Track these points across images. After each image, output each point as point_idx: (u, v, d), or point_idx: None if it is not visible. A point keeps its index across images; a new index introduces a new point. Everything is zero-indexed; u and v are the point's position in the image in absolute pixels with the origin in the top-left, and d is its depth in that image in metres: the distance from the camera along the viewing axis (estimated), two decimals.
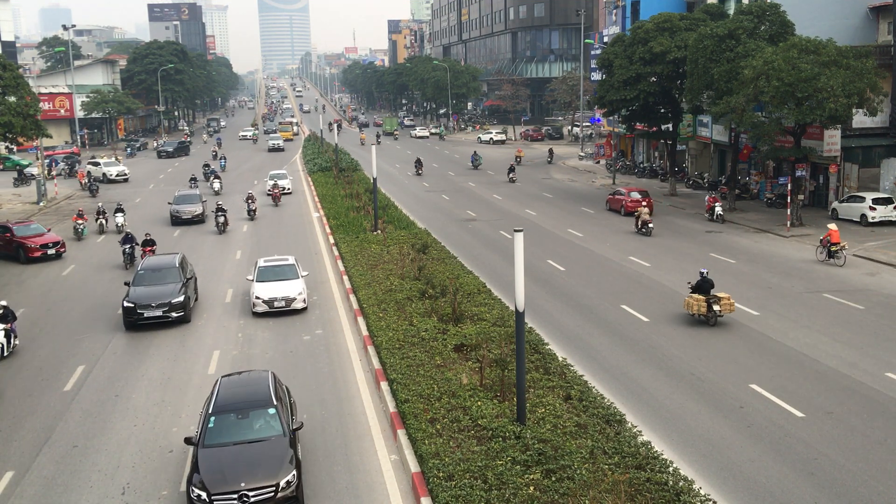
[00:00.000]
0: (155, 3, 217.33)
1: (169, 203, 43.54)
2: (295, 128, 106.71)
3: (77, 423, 17.58)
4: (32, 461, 15.90)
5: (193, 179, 54.80)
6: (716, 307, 23.30)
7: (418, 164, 64.92)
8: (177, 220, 41.99)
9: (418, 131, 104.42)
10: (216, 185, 53.75)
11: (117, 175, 62.80)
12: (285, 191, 51.11)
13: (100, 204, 43.84)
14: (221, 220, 39.28)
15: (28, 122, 44.00)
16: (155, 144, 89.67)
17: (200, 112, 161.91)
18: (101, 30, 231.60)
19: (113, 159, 68.77)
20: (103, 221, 40.90)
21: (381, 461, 15.43)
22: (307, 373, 20.22)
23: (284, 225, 42.06)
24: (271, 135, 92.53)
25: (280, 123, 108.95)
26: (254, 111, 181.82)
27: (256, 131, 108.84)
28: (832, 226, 31.18)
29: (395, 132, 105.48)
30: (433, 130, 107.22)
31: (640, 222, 37.88)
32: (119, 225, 40.76)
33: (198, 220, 42.05)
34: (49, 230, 36.48)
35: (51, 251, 34.33)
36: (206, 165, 62.57)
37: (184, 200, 42.97)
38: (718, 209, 40.08)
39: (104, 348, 22.58)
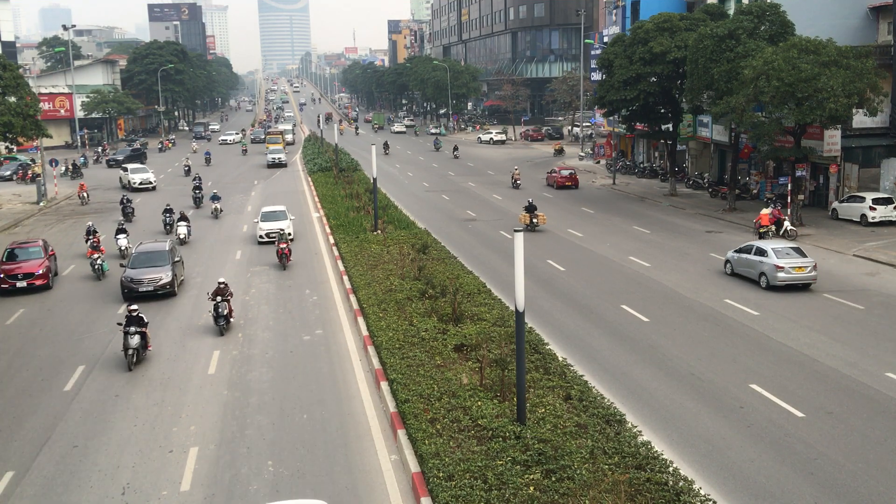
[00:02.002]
0: (155, 3, 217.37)
1: (122, 265, 28.68)
2: (290, 136, 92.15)
3: (77, 423, 17.58)
4: (32, 461, 15.89)
5: (168, 211, 40.20)
6: (534, 220, 38.81)
7: (385, 146, 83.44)
8: (131, 293, 26.52)
9: (395, 127, 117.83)
10: (181, 231, 36.78)
11: (141, 183, 56.02)
12: (289, 236, 34.78)
13: (90, 223, 35.50)
14: (134, 342, 20.84)
15: (28, 122, 44.06)
16: (103, 151, 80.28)
17: (200, 112, 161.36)
18: (101, 30, 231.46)
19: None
20: (95, 243, 32.50)
21: (381, 461, 15.43)
22: (307, 373, 20.21)
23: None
24: (271, 147, 76.42)
25: (268, 133, 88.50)
26: (252, 113, 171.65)
27: (243, 138, 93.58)
28: (764, 210, 35.69)
29: (375, 125, 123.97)
30: (433, 130, 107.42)
31: (513, 180, 55.85)
32: (122, 249, 33.48)
33: (164, 292, 26.95)
34: (51, 254, 30.66)
35: (20, 283, 28.39)
36: (198, 188, 49.11)
37: (144, 261, 27.62)
38: (788, 224, 35.65)
39: (104, 348, 22.57)
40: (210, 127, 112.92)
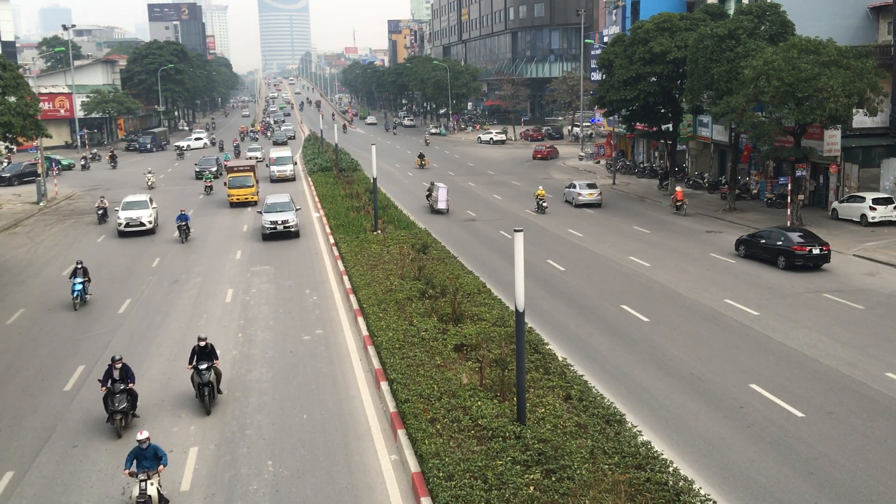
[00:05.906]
0: (155, 3, 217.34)
1: None
2: (287, 167, 59.95)
3: (77, 423, 17.58)
4: (32, 461, 15.89)
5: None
6: (423, 162, 66.83)
7: (344, 127, 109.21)
8: None
9: (368, 120, 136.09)
10: None
11: (128, 225, 38.69)
12: None
13: None
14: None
15: (28, 122, 43.98)
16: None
17: (200, 112, 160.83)
18: (101, 30, 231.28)
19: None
20: None
21: (381, 461, 15.43)
22: (307, 373, 20.22)
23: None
24: (269, 204, 38.73)
25: (231, 171, 49.60)
26: (249, 118, 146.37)
27: (204, 170, 59.76)
28: (678, 188, 44.82)
29: (359, 117, 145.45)
30: (433, 130, 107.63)
31: (425, 140, 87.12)
32: None
33: None
34: None
35: None
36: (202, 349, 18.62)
37: None
38: None
39: (104, 348, 22.56)
40: (195, 135, 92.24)
